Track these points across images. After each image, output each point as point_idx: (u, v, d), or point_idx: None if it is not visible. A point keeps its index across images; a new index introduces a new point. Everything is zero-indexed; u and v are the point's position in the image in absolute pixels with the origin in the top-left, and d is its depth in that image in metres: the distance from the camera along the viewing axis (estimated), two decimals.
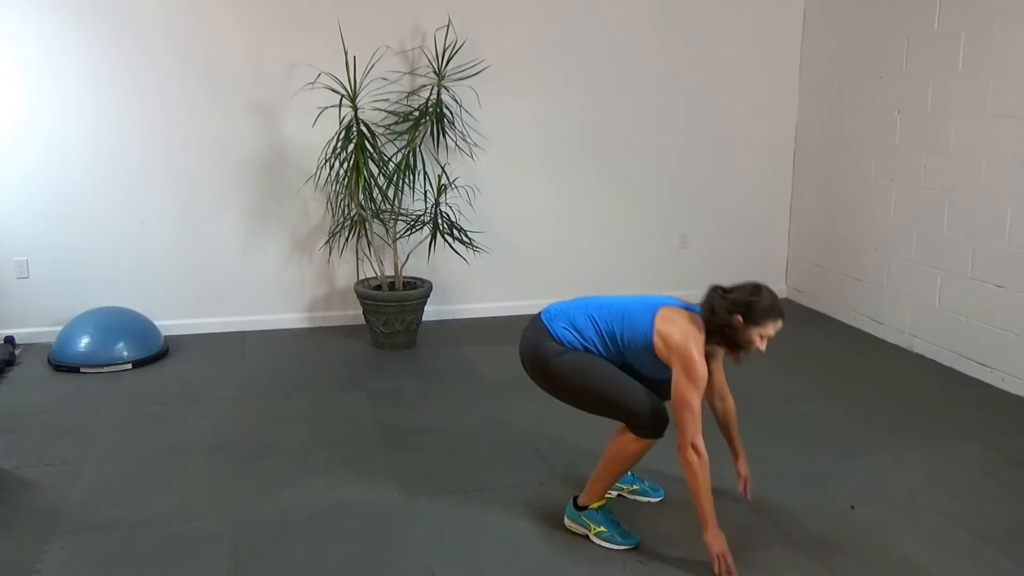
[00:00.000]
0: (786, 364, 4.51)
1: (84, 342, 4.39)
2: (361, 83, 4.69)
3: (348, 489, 3.12)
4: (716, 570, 2.56)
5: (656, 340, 2.58)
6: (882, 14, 4.84)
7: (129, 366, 4.40)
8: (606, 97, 5.29)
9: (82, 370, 4.33)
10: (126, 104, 4.64)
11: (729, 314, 2.56)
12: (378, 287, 4.83)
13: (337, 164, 4.66)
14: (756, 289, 2.59)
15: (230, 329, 5.02)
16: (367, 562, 2.66)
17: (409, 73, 4.94)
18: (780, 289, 5.82)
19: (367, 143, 4.62)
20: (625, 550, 2.71)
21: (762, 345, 2.58)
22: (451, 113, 4.91)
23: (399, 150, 4.84)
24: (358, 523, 2.89)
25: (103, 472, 3.25)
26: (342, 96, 4.63)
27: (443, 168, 5.01)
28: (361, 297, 4.76)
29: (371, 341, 4.83)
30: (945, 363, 4.51)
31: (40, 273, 4.72)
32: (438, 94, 4.82)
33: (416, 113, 4.84)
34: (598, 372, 2.65)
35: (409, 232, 4.94)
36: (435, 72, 4.83)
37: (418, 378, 4.33)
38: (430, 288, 4.89)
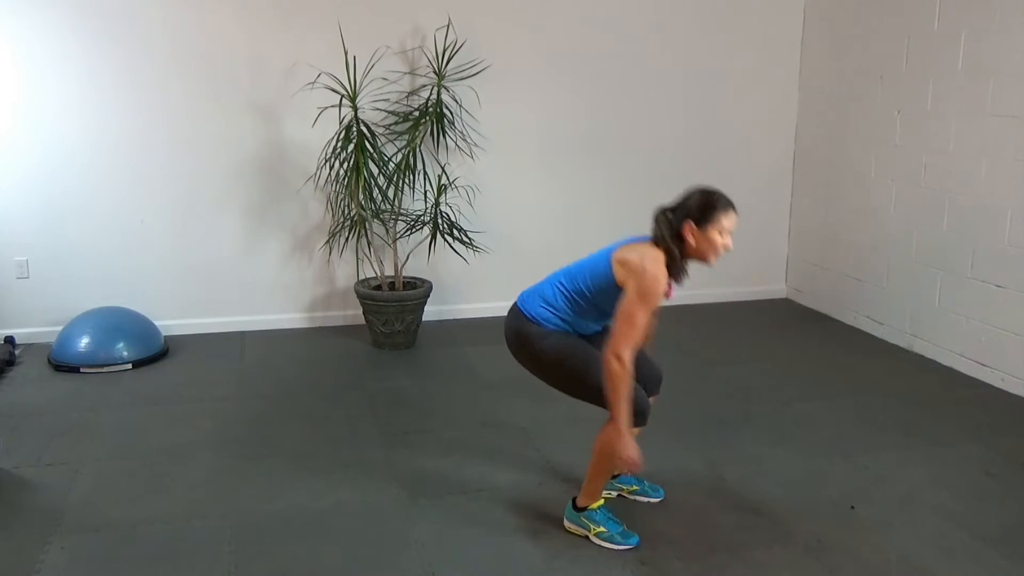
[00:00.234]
0: (786, 364, 4.52)
1: (84, 342, 4.39)
2: (361, 83, 4.69)
3: (348, 489, 3.12)
4: (625, 471, 2.73)
5: (616, 270, 2.59)
6: (882, 14, 4.84)
7: (129, 366, 4.40)
8: (606, 97, 5.29)
9: (82, 370, 4.33)
10: (126, 104, 4.64)
11: (681, 224, 2.59)
12: (378, 287, 4.83)
13: (337, 164, 4.66)
14: (693, 192, 2.64)
15: (230, 329, 5.02)
16: (367, 562, 2.66)
17: (409, 73, 4.94)
18: (780, 289, 5.82)
19: (367, 143, 4.62)
20: (625, 550, 2.72)
21: (726, 240, 2.59)
22: (451, 113, 4.91)
23: (399, 150, 4.84)
24: (358, 523, 2.88)
25: (103, 472, 3.25)
26: (342, 96, 4.63)
27: (443, 168, 5.01)
28: (361, 297, 4.76)
29: (371, 341, 4.83)
30: (945, 363, 4.50)
31: (40, 273, 4.72)
32: (438, 94, 4.82)
33: (416, 113, 4.84)
34: (580, 358, 2.67)
35: (409, 232, 4.94)
36: (435, 72, 4.83)
37: (418, 378, 4.33)
38: (430, 288, 4.89)
